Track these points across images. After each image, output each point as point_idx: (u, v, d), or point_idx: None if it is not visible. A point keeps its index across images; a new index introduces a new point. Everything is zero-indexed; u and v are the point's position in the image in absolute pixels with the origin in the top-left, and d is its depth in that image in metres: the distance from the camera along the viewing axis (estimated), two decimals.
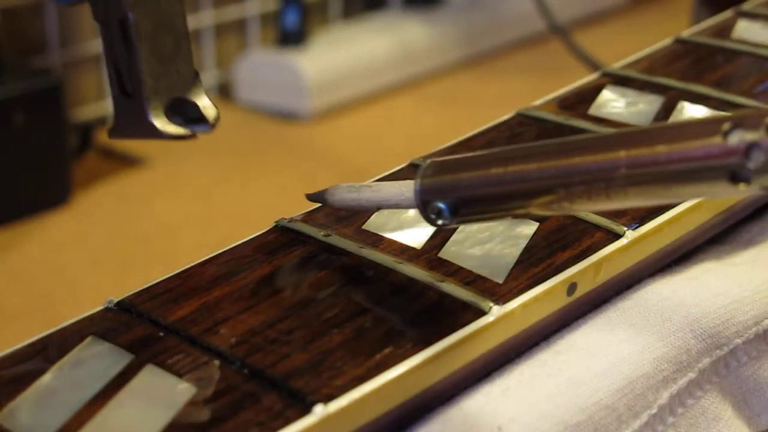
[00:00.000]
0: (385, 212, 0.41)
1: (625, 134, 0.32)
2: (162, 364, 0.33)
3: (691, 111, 0.49)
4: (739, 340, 0.39)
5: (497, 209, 0.34)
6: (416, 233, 0.40)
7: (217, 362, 0.33)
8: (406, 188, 0.36)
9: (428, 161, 0.35)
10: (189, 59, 0.39)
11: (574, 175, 0.31)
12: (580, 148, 0.31)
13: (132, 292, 0.36)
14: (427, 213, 0.34)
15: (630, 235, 0.40)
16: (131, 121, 0.38)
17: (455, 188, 0.34)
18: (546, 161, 0.32)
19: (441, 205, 0.34)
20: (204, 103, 0.38)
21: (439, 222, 0.34)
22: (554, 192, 0.32)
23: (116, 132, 0.39)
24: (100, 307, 0.36)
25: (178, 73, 0.38)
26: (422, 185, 0.35)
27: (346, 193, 0.38)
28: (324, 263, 0.38)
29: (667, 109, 0.49)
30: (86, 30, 1.23)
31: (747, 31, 0.58)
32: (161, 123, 0.38)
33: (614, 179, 0.30)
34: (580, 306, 0.39)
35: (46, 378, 0.33)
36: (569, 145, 0.32)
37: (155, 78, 0.38)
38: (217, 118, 0.38)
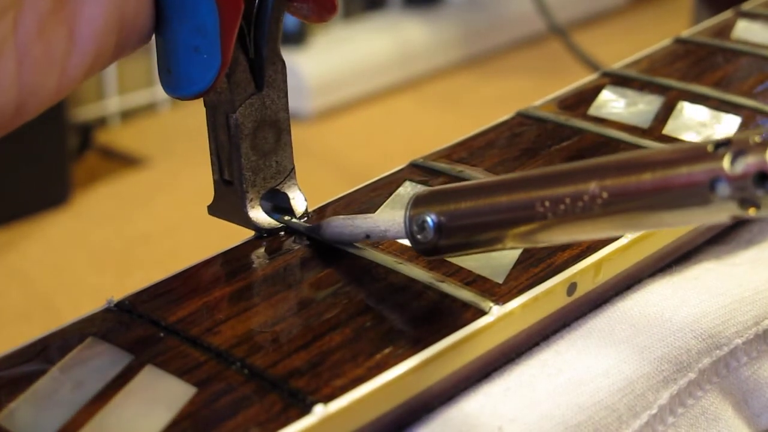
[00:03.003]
0: (385, 212, 0.41)
1: (609, 163, 0.31)
2: (162, 365, 0.33)
3: (691, 111, 0.49)
4: (739, 340, 0.39)
5: (478, 236, 0.33)
6: None
7: (217, 362, 0.33)
8: (398, 216, 0.36)
9: (416, 192, 0.35)
10: (288, 151, 0.40)
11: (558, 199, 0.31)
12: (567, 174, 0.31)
13: (132, 293, 0.36)
14: (412, 227, 0.34)
15: (630, 235, 0.40)
16: (229, 206, 0.40)
17: (443, 211, 0.34)
18: (525, 191, 0.32)
19: (428, 217, 0.34)
20: (295, 194, 0.40)
21: (420, 237, 0.34)
22: (531, 221, 0.32)
23: (214, 211, 0.41)
24: (100, 308, 0.36)
25: (276, 165, 0.40)
26: (415, 202, 0.35)
27: (339, 223, 0.38)
28: (324, 263, 0.38)
29: (667, 110, 0.49)
30: None
31: (747, 31, 0.58)
32: (256, 215, 0.39)
33: (593, 207, 0.30)
34: (580, 306, 0.39)
35: (46, 378, 0.33)
36: (564, 170, 0.32)
37: (254, 171, 0.39)
38: (306, 212, 0.40)
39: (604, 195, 0.29)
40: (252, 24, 0.38)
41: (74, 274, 1.06)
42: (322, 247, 0.39)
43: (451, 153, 0.45)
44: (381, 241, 0.38)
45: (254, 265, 0.38)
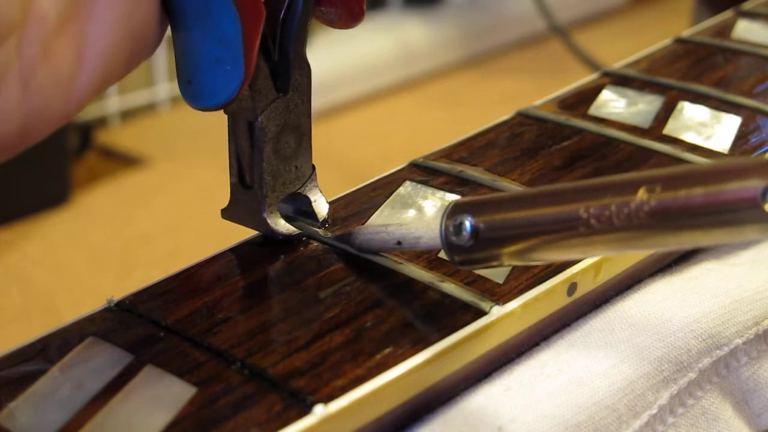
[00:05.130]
0: (385, 212, 0.41)
1: (656, 176, 0.30)
2: (162, 365, 0.33)
3: (692, 111, 0.49)
4: (739, 341, 0.39)
5: (516, 245, 0.33)
6: None
7: (217, 363, 0.33)
8: (433, 223, 0.35)
9: (454, 200, 0.34)
10: (309, 155, 0.40)
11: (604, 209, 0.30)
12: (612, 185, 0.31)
13: (132, 293, 0.36)
14: (448, 231, 0.34)
15: None
16: (246, 210, 0.39)
17: (481, 218, 0.33)
18: (569, 199, 0.31)
19: (466, 220, 0.33)
20: (316, 197, 0.40)
21: (456, 239, 0.34)
22: (573, 230, 0.31)
23: (229, 214, 0.40)
24: (101, 308, 0.36)
25: (297, 169, 0.39)
26: (453, 209, 0.34)
27: (371, 230, 0.38)
28: (325, 263, 0.38)
29: (668, 109, 0.49)
30: None
31: (747, 31, 0.58)
32: (274, 221, 0.39)
33: (639, 216, 0.30)
34: (581, 306, 0.39)
35: (47, 378, 0.33)
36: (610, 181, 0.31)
37: (274, 176, 0.39)
38: (328, 215, 0.40)
39: (652, 203, 0.29)
40: (278, 28, 0.37)
41: (74, 274, 1.06)
42: (322, 247, 0.39)
43: (451, 153, 0.45)
44: (412, 249, 0.37)
45: (254, 265, 0.38)
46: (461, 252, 0.34)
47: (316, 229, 0.39)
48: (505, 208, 0.33)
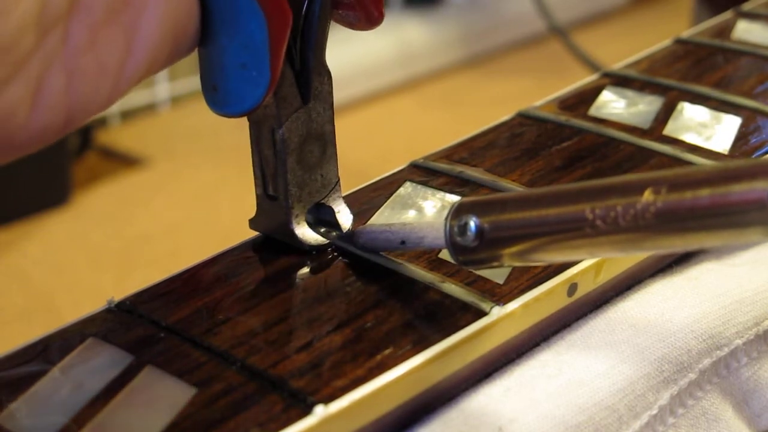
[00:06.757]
0: (385, 213, 0.41)
1: (663, 177, 0.30)
2: (162, 365, 0.33)
3: (692, 112, 0.49)
4: (739, 341, 0.39)
5: (520, 245, 0.33)
6: None
7: (217, 363, 0.33)
8: (437, 222, 0.35)
9: (459, 200, 0.34)
10: (333, 164, 0.39)
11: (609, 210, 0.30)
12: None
13: (132, 293, 0.36)
14: (452, 232, 0.34)
15: None
16: (273, 221, 0.39)
17: (486, 218, 0.33)
18: (575, 199, 0.31)
19: (470, 221, 0.33)
20: (340, 208, 0.39)
21: (460, 240, 0.33)
22: (579, 230, 0.31)
23: (256, 225, 0.40)
24: (101, 308, 0.36)
25: (322, 178, 0.39)
26: (458, 209, 0.34)
27: (374, 230, 0.37)
28: (325, 263, 0.38)
29: (668, 110, 0.49)
30: None
31: (747, 31, 0.58)
32: (302, 231, 0.38)
33: (645, 217, 0.29)
34: (581, 306, 0.39)
35: (47, 379, 0.33)
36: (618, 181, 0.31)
37: (300, 186, 0.38)
38: (352, 225, 0.39)
39: (659, 204, 0.29)
40: (298, 34, 0.37)
41: (74, 274, 1.06)
42: (323, 247, 0.39)
43: (451, 153, 0.45)
44: (416, 249, 0.37)
45: (254, 266, 0.38)
46: (465, 252, 0.34)
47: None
48: (510, 209, 0.33)
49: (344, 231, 0.39)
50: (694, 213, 0.29)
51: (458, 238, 0.34)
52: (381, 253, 0.38)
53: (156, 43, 0.33)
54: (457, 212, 0.34)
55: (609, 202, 0.30)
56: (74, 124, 0.33)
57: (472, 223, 0.33)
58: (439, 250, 0.38)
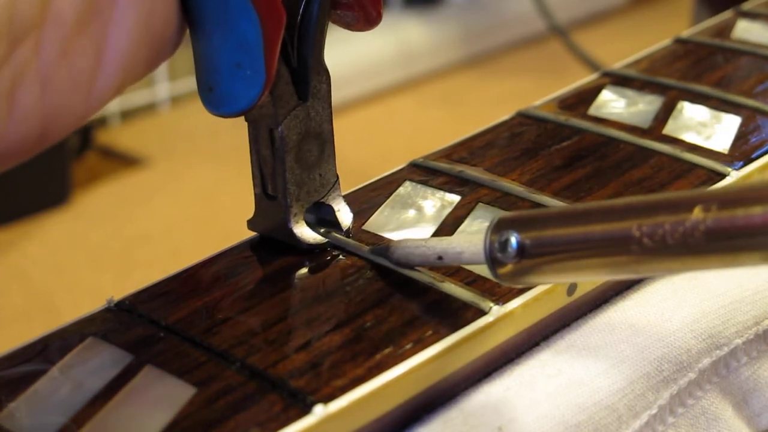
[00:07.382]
0: (385, 212, 0.41)
1: (712, 194, 0.29)
2: (162, 365, 0.33)
3: (691, 111, 0.49)
4: (739, 340, 0.39)
5: (563, 262, 0.32)
6: (416, 233, 0.40)
7: (217, 363, 0.33)
8: (476, 238, 0.34)
9: (499, 215, 0.34)
10: (332, 163, 0.39)
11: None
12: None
13: (132, 293, 0.36)
14: (493, 248, 0.33)
15: None
16: (271, 221, 0.39)
17: (527, 234, 0.32)
18: (620, 216, 0.30)
19: (512, 237, 0.32)
20: (340, 207, 0.39)
21: (501, 256, 0.32)
22: (624, 248, 0.30)
23: (254, 225, 0.40)
24: (101, 308, 0.36)
25: (321, 177, 0.39)
26: (498, 224, 0.33)
27: (411, 245, 0.37)
28: (325, 263, 0.38)
29: (667, 109, 0.49)
30: None
31: (747, 31, 0.58)
32: (300, 231, 0.38)
33: (694, 235, 0.28)
34: (580, 306, 0.39)
35: (47, 378, 0.33)
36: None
37: (298, 185, 0.38)
38: (352, 224, 0.39)
39: (709, 222, 0.28)
40: (296, 33, 0.37)
41: (74, 274, 1.06)
42: (322, 246, 0.39)
43: (451, 153, 0.45)
44: (453, 264, 0.36)
45: (254, 265, 0.38)
46: (505, 268, 0.33)
47: (342, 237, 0.39)
48: (552, 225, 0.32)
49: (344, 230, 0.39)
50: (745, 231, 0.28)
51: (498, 254, 0.33)
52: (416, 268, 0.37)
53: (128, 52, 0.33)
54: (498, 227, 0.33)
55: (657, 219, 0.29)
56: (49, 137, 0.32)
57: (513, 239, 0.32)
58: None
